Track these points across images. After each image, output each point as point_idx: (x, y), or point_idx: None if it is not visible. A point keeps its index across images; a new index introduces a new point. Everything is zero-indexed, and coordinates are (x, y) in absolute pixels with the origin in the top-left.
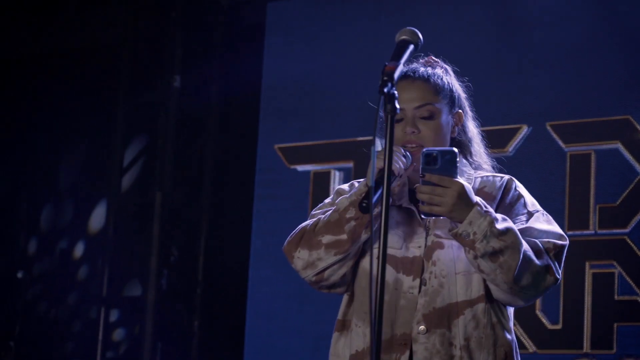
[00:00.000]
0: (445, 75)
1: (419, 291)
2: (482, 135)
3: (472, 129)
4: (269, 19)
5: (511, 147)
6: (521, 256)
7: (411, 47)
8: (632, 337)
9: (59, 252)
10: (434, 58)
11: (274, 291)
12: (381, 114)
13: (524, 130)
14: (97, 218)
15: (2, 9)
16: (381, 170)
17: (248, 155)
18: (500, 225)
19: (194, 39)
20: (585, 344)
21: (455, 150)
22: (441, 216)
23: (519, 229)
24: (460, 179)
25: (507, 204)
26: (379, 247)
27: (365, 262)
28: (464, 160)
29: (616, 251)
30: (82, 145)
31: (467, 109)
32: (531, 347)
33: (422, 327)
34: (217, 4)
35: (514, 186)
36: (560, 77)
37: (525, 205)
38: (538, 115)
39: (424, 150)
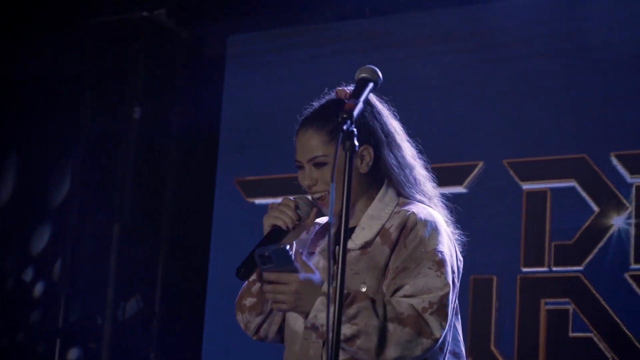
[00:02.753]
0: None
1: (323, 344)
2: (427, 167)
3: (398, 158)
4: (230, 51)
5: (467, 183)
6: (378, 335)
7: (371, 84)
8: None
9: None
10: (342, 90)
11: (230, 323)
12: None
13: (480, 166)
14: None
15: None
16: (275, 229)
17: (207, 188)
18: (351, 311)
19: (155, 70)
20: None
21: (287, 246)
22: (290, 311)
23: (395, 289)
24: (302, 271)
25: (402, 247)
26: (335, 291)
27: (288, 315)
28: (389, 191)
29: (571, 289)
30: (39, 166)
31: (391, 137)
32: None
33: None
34: (179, 36)
35: (413, 224)
36: (517, 114)
37: (419, 246)
38: (494, 152)
39: (257, 251)
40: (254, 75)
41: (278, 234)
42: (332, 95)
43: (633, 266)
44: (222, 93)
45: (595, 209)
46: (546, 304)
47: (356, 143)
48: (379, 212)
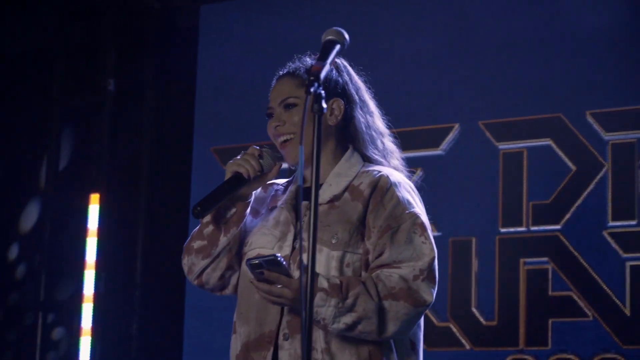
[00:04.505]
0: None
1: None
2: (393, 134)
3: (368, 120)
4: (202, 21)
5: (443, 145)
6: (378, 317)
7: (337, 46)
8: (566, 333)
9: None
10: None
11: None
12: None
13: (456, 128)
14: (29, 218)
15: None
16: (236, 175)
17: (184, 158)
18: (349, 300)
19: (127, 42)
20: (520, 340)
21: (277, 255)
22: (288, 306)
23: (383, 262)
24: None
25: (380, 206)
26: (308, 243)
27: (243, 265)
28: (355, 154)
29: (549, 247)
30: (14, 144)
31: (365, 102)
32: (467, 344)
33: (285, 333)
34: (149, 7)
35: (388, 185)
36: (492, 75)
37: (398, 206)
38: (470, 114)
39: (248, 261)
40: (227, 45)
41: (238, 181)
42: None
43: (611, 223)
44: (196, 63)
45: (572, 167)
46: (525, 263)
47: (324, 105)
48: (345, 171)
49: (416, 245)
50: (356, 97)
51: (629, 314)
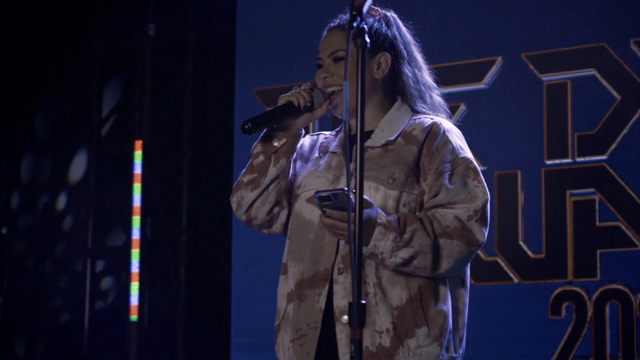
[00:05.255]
0: (375, 22)
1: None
2: (438, 85)
3: (416, 74)
4: None
5: (487, 79)
6: (432, 253)
7: None
8: (614, 264)
9: (41, 206)
10: (374, 7)
11: (258, 236)
12: None
13: (499, 61)
14: (77, 168)
15: None
16: (288, 103)
17: (226, 101)
18: (406, 235)
19: None
20: (569, 272)
21: (345, 189)
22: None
23: (438, 202)
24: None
25: (434, 150)
26: (356, 187)
27: (297, 206)
28: (404, 105)
29: (596, 178)
30: (58, 96)
31: (413, 57)
32: (516, 278)
33: (340, 267)
34: None
35: (441, 131)
36: (533, 7)
37: (452, 151)
38: (513, 46)
39: (315, 193)
40: None
41: (289, 109)
42: None
43: None
44: (236, 5)
45: (617, 97)
46: (572, 195)
47: (367, 40)
48: (397, 119)
49: (470, 189)
50: (404, 52)
51: None
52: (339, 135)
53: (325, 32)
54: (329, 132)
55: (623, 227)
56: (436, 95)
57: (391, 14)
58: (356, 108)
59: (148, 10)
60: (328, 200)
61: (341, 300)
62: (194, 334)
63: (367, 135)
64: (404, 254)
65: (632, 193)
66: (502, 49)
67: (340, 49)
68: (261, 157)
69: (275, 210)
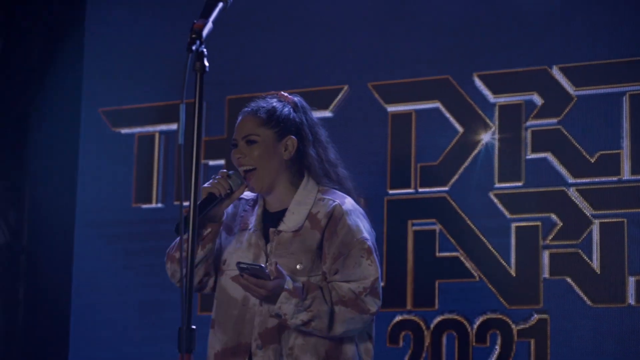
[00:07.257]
0: (283, 108)
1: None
2: (339, 161)
3: (320, 154)
4: None
5: (333, 107)
6: (328, 318)
7: (220, 4)
8: (453, 293)
9: None
10: (283, 94)
11: (99, 253)
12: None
13: (345, 90)
14: None
15: None
16: (210, 195)
17: (72, 119)
18: (307, 301)
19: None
20: (408, 302)
21: (262, 265)
22: (262, 300)
23: (336, 280)
24: (272, 276)
25: (334, 235)
26: (187, 269)
27: (223, 280)
28: (310, 181)
29: (437, 209)
30: None
31: (319, 139)
32: None
33: (258, 343)
34: None
35: (340, 215)
36: (381, 38)
37: (349, 233)
38: (359, 75)
39: (238, 264)
40: (116, 5)
41: (212, 200)
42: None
43: (497, 185)
44: (84, 24)
45: (460, 129)
46: (413, 225)
47: (206, 64)
48: (304, 199)
49: (363, 268)
50: (309, 135)
51: (514, 275)
52: (255, 210)
53: (240, 117)
54: (249, 195)
55: (462, 258)
56: (341, 169)
57: (299, 99)
58: (269, 187)
59: None
60: (247, 270)
61: None
62: (31, 356)
63: (280, 214)
64: (304, 316)
65: (471, 225)
66: (348, 77)
67: (252, 133)
68: None
69: (204, 279)
